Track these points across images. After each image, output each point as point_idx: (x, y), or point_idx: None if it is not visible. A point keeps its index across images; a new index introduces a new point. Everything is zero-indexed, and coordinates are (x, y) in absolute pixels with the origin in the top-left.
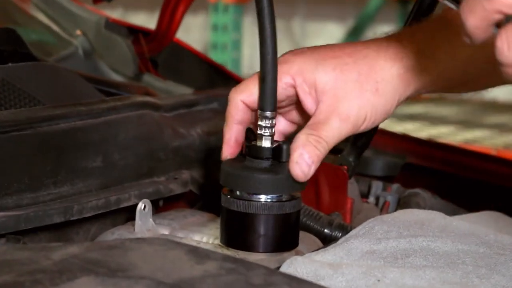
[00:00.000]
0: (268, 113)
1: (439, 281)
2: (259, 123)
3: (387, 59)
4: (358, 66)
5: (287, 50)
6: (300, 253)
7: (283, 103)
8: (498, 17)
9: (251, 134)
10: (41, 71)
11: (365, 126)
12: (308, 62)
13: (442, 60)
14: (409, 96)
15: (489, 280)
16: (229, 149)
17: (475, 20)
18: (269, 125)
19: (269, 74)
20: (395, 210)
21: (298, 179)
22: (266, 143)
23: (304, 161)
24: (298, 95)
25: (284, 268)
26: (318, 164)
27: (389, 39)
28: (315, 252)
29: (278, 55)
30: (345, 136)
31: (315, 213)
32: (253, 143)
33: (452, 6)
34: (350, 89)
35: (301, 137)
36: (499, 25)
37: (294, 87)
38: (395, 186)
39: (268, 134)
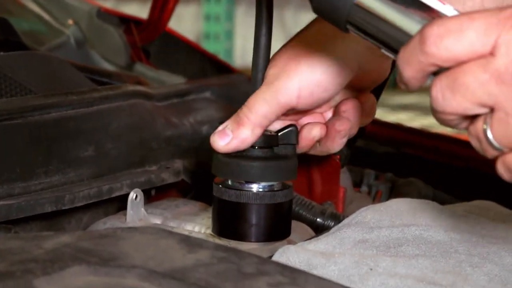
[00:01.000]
0: None
1: (432, 270)
2: None
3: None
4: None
5: (280, 40)
6: (293, 242)
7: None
8: (432, 69)
9: None
10: (32, 60)
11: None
12: (290, 71)
13: None
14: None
15: (481, 268)
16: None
17: (411, 71)
18: None
19: (261, 62)
20: (388, 199)
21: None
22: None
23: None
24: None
25: (277, 257)
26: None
27: None
28: (307, 241)
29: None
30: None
31: (307, 202)
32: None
33: (390, 55)
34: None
35: None
36: (435, 73)
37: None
38: (388, 175)
39: None
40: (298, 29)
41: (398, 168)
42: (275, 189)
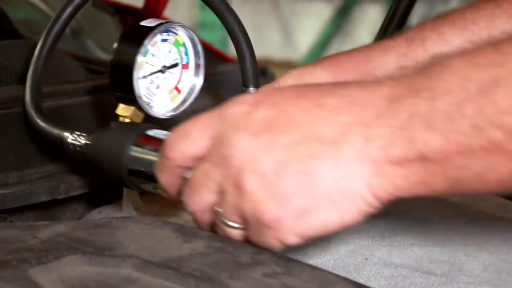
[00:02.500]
0: (252, 90)
1: (427, 260)
2: None
3: (380, 49)
4: (353, 57)
5: (276, 30)
6: None
7: None
8: (180, 170)
9: None
10: (28, 49)
11: None
12: (306, 68)
13: (431, 48)
14: None
15: (476, 258)
16: None
17: (164, 177)
18: None
19: (246, 50)
20: None
21: None
22: None
23: None
24: None
25: None
26: None
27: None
28: None
29: (267, 37)
30: None
31: None
32: None
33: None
34: (349, 77)
35: None
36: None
37: None
38: None
39: None
40: (294, 21)
41: None
42: None
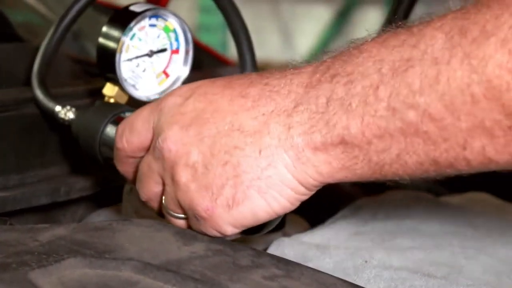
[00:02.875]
0: None
1: (427, 262)
2: None
3: None
4: None
5: (276, 33)
6: (288, 235)
7: None
8: (131, 160)
9: None
10: (27, 52)
11: None
12: None
13: None
14: None
15: (476, 260)
16: None
17: (120, 167)
18: None
19: (247, 53)
20: None
21: None
22: None
23: None
24: None
25: (271, 250)
26: None
27: None
28: (302, 233)
29: (267, 40)
30: None
31: None
32: None
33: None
34: None
35: None
36: None
37: None
38: None
39: None
40: (294, 23)
41: None
42: None
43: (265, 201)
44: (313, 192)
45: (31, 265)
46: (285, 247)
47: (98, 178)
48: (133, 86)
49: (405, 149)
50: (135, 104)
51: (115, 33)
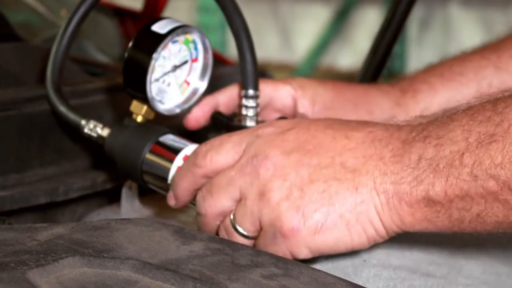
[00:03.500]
0: (251, 92)
1: (426, 262)
2: (243, 103)
3: (378, 90)
4: (354, 89)
5: (275, 33)
6: None
7: (274, 111)
8: (203, 181)
9: (222, 117)
10: (25, 51)
11: None
12: (309, 81)
13: (421, 100)
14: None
15: (476, 260)
16: (193, 120)
17: (185, 183)
18: (253, 105)
19: (247, 52)
20: None
21: None
22: (251, 123)
23: None
24: (296, 108)
25: None
26: None
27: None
28: None
29: (265, 40)
30: None
31: None
32: (238, 123)
33: (162, 192)
34: (346, 105)
35: None
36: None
37: (294, 98)
38: None
39: (253, 114)
40: (293, 23)
41: None
42: None
43: (350, 235)
44: (387, 238)
45: (29, 264)
46: None
47: (97, 178)
48: (160, 101)
49: (485, 210)
50: (159, 117)
51: (142, 57)
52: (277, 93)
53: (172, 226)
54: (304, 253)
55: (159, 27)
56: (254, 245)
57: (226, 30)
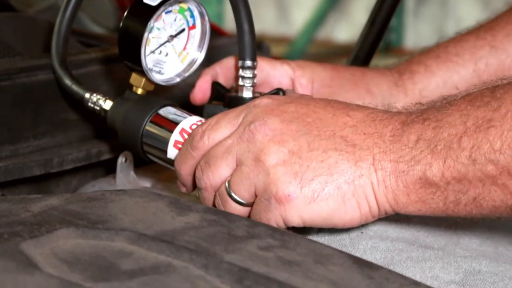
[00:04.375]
0: (248, 63)
1: (423, 234)
2: (240, 73)
3: (376, 72)
4: (352, 70)
5: (271, 5)
6: None
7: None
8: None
9: (220, 88)
10: (20, 22)
11: None
12: (308, 62)
13: (419, 81)
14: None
15: (473, 231)
16: (200, 93)
17: (186, 169)
18: (250, 75)
19: (245, 23)
20: None
21: None
22: (247, 94)
23: None
24: (294, 87)
25: None
26: None
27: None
28: None
29: (262, 12)
30: None
31: None
32: (234, 94)
33: (169, 166)
34: (345, 84)
35: None
36: None
37: (292, 78)
38: None
39: (250, 84)
40: (289, 1)
41: None
42: None
43: (345, 208)
44: (377, 218)
45: (23, 235)
46: None
47: (92, 149)
48: (159, 72)
49: (482, 194)
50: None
51: (135, 31)
52: (274, 71)
53: (168, 197)
54: (296, 222)
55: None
56: (249, 215)
57: (222, 3)
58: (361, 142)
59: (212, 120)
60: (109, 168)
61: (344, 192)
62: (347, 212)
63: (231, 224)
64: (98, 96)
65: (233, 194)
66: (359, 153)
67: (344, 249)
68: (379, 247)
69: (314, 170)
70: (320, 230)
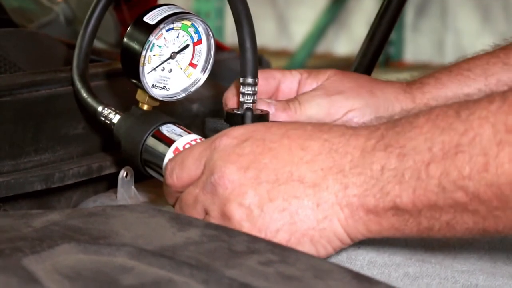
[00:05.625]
0: (249, 80)
1: (421, 248)
2: (241, 90)
3: (385, 81)
4: (357, 76)
5: (272, 19)
6: None
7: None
8: (179, 194)
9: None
10: (21, 37)
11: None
12: (313, 70)
13: (428, 92)
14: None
15: (471, 246)
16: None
17: (171, 200)
18: (250, 92)
19: (247, 39)
20: None
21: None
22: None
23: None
24: (300, 89)
25: None
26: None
27: None
28: None
29: (262, 26)
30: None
31: None
32: (233, 110)
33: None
34: (349, 83)
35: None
36: None
37: (299, 81)
38: None
39: (250, 101)
40: (289, 10)
41: None
42: None
43: (315, 249)
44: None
45: (25, 251)
46: None
47: (93, 164)
48: (163, 88)
49: (454, 219)
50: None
51: (133, 50)
52: (285, 78)
53: (168, 212)
54: None
55: (150, 18)
56: None
57: (223, 17)
58: (320, 181)
59: (178, 158)
60: (110, 183)
61: (311, 236)
62: (319, 251)
63: (231, 239)
64: (110, 110)
65: None
66: (319, 195)
67: (341, 264)
68: (376, 261)
69: (277, 221)
70: None
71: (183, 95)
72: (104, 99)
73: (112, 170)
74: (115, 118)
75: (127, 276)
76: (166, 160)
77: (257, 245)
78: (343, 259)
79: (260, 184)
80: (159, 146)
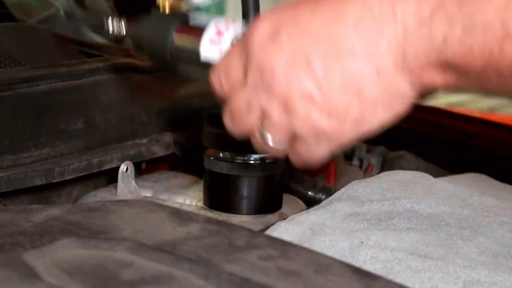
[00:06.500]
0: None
1: (423, 243)
2: None
3: None
4: None
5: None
6: (284, 216)
7: None
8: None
9: None
10: (21, 32)
11: None
12: None
13: None
14: None
15: (472, 241)
16: None
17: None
18: None
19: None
20: (379, 172)
21: None
22: None
23: None
24: None
25: (267, 233)
26: None
27: None
28: (298, 214)
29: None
30: None
31: (298, 175)
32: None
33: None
34: None
35: None
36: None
37: None
38: (379, 149)
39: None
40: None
41: (389, 141)
42: (267, 161)
43: (392, 111)
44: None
45: (25, 246)
46: (281, 231)
47: (93, 159)
48: None
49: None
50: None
51: None
52: None
53: (168, 207)
54: (350, 143)
55: None
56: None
57: (223, 12)
58: (374, 49)
59: (221, 64)
60: (110, 178)
61: (382, 103)
62: (396, 111)
63: (231, 234)
64: (116, 19)
65: (271, 142)
66: (376, 64)
67: (344, 259)
68: (379, 257)
69: (344, 99)
70: (325, 237)
71: (210, 1)
72: (104, 94)
73: (113, 165)
74: (123, 24)
75: (127, 271)
76: (205, 40)
77: (257, 240)
78: (346, 254)
79: (311, 68)
80: (189, 39)
